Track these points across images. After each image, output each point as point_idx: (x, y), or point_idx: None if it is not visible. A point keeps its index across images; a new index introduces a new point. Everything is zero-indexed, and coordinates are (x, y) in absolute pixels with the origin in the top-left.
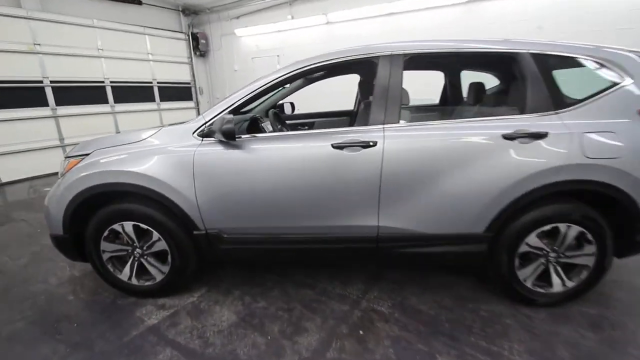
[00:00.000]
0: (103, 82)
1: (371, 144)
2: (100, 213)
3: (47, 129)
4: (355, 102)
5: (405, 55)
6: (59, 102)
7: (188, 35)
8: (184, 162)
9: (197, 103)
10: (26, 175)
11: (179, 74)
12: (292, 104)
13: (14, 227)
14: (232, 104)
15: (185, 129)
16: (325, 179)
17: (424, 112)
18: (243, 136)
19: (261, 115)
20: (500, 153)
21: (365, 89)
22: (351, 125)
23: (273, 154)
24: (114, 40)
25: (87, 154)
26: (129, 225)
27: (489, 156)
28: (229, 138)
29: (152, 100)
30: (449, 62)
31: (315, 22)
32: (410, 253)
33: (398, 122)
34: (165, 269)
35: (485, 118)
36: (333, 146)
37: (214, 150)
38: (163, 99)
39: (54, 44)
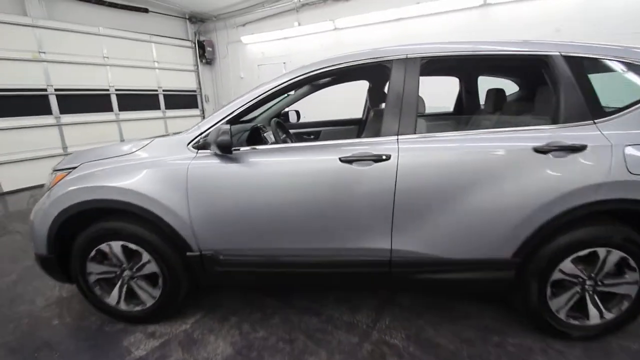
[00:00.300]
0: (108, 90)
1: (384, 157)
2: (86, 232)
3: (50, 138)
4: (364, 110)
5: (422, 58)
6: (63, 110)
7: (194, 43)
8: (176, 176)
9: (203, 111)
10: (28, 185)
11: (185, 82)
12: (297, 112)
13: (8, 239)
14: (230, 113)
15: (178, 140)
16: (332, 196)
17: (441, 122)
18: (242, 148)
19: (264, 124)
20: (531, 168)
21: (375, 96)
22: (359, 135)
23: (274, 168)
24: (119, 48)
25: (74, 167)
26: (117, 246)
27: (518, 172)
28: (225, 151)
29: (158, 108)
30: (469, 67)
31: (322, 28)
32: (427, 279)
33: (414, 133)
34: (156, 293)
35: (512, 129)
36: (341, 160)
37: (209, 164)
38: (169, 106)
39: (59, 51)
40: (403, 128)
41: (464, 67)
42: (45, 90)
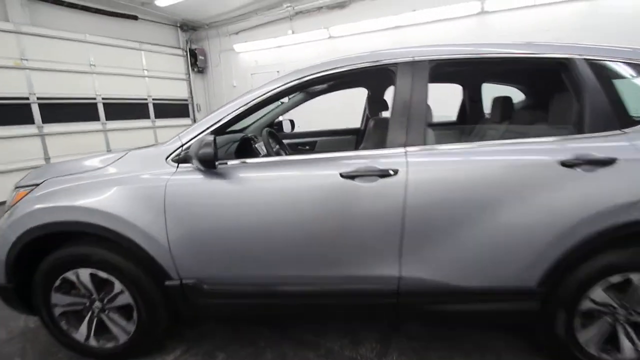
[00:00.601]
0: (94, 98)
1: (391, 172)
2: (49, 258)
3: (32, 148)
4: (363, 120)
5: (430, 61)
6: (46, 119)
7: (186, 51)
8: (153, 194)
9: (195, 120)
10: (4, 198)
11: (176, 91)
12: (291, 121)
13: None
14: (216, 122)
15: (157, 153)
16: (331, 217)
17: (450, 132)
18: (229, 162)
19: (256, 134)
20: (557, 185)
21: (375, 105)
22: (357, 145)
23: (265, 185)
24: (107, 56)
25: (37, 184)
26: (85, 274)
27: (544, 189)
28: (208, 166)
29: (147, 117)
30: (482, 72)
31: (316, 36)
32: (440, 311)
33: (424, 145)
34: (131, 327)
35: (533, 140)
36: (342, 175)
37: (190, 180)
38: (158, 116)
39: (43, 59)
40: (411, 139)
41: (476, 72)
42: (27, 98)
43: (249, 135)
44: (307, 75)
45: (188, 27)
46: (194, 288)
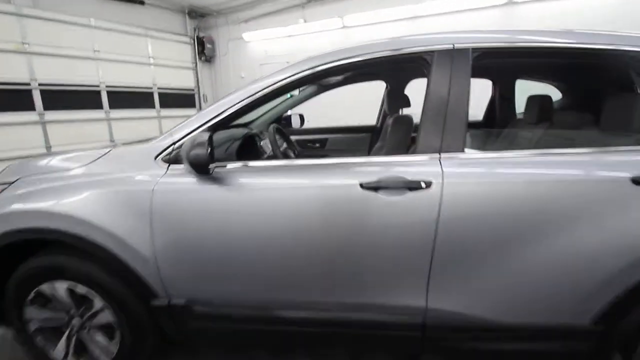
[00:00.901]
0: (98, 86)
1: (422, 184)
2: (21, 269)
3: (32, 135)
4: (379, 117)
5: (474, 50)
6: (48, 106)
7: (193, 39)
8: (137, 200)
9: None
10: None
11: (182, 80)
12: (301, 116)
13: None
14: (215, 117)
15: (145, 151)
16: (349, 235)
17: (483, 135)
18: (229, 164)
19: (262, 130)
20: (626, 206)
21: (395, 100)
22: (372, 144)
23: (270, 194)
24: (112, 42)
25: (10, 183)
26: (61, 287)
27: (609, 210)
28: (200, 170)
29: (152, 106)
30: (526, 65)
31: (329, 26)
32: (472, 349)
33: (462, 151)
34: (113, 348)
35: (596, 149)
36: (362, 186)
37: (182, 185)
38: (164, 105)
39: (45, 43)
40: (447, 144)
41: (521, 64)
42: (28, 84)
43: (254, 131)
44: (321, 65)
45: (196, 14)
46: (183, 309)
